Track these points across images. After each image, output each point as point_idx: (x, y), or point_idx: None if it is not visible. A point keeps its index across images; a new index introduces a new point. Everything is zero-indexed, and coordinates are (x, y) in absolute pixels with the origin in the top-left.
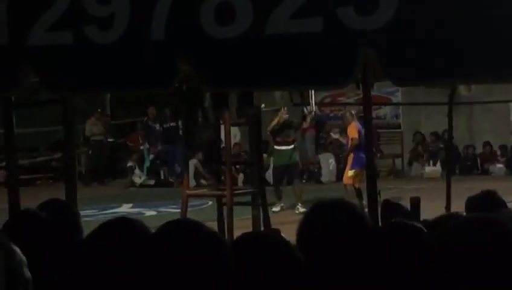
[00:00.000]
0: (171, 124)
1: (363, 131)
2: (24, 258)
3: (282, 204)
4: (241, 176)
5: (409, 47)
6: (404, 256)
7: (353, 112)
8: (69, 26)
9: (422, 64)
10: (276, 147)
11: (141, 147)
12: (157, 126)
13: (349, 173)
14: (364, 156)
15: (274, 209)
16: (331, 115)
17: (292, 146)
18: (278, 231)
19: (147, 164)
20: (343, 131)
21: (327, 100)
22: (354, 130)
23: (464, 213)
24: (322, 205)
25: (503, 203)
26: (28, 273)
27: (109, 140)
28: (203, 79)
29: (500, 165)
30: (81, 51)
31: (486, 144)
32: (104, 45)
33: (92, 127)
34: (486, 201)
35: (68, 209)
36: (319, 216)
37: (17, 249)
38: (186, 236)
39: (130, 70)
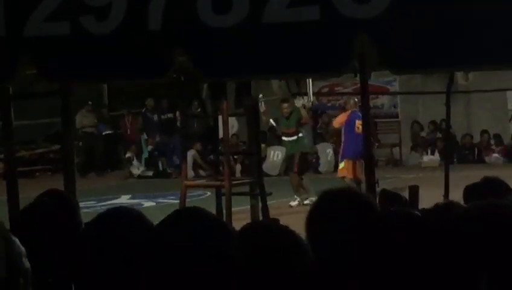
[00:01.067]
0: (169, 115)
1: (356, 121)
2: (23, 249)
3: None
4: (238, 167)
5: (405, 35)
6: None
7: (356, 100)
8: (66, 17)
9: (419, 52)
10: (282, 138)
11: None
12: (155, 117)
13: (340, 165)
14: (352, 146)
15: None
16: (329, 104)
17: (294, 137)
18: (276, 221)
19: (145, 155)
20: None
21: (325, 90)
22: (340, 118)
23: (462, 202)
24: (330, 195)
25: (506, 189)
26: (27, 264)
27: (108, 132)
28: (199, 69)
29: (496, 155)
30: (79, 41)
31: (484, 132)
32: (101, 35)
33: (82, 119)
34: (488, 189)
35: (67, 200)
36: (328, 206)
37: (17, 240)
38: (193, 224)
39: (127, 60)
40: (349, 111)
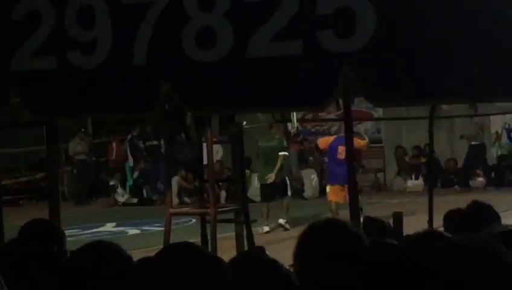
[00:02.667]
0: (154, 142)
1: (339, 147)
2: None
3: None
4: (223, 193)
5: (387, 68)
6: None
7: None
8: (52, 52)
9: (402, 85)
10: None
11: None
12: (141, 144)
13: (327, 188)
14: (335, 173)
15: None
16: (313, 130)
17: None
18: (262, 249)
19: (130, 182)
20: None
21: (308, 116)
22: (325, 142)
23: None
24: (317, 226)
25: (489, 216)
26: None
27: (92, 159)
28: (185, 102)
29: (480, 179)
30: (65, 76)
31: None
32: (87, 69)
33: (76, 146)
34: (469, 215)
35: (53, 229)
36: (315, 238)
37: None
38: (184, 259)
39: (112, 95)
40: (333, 137)
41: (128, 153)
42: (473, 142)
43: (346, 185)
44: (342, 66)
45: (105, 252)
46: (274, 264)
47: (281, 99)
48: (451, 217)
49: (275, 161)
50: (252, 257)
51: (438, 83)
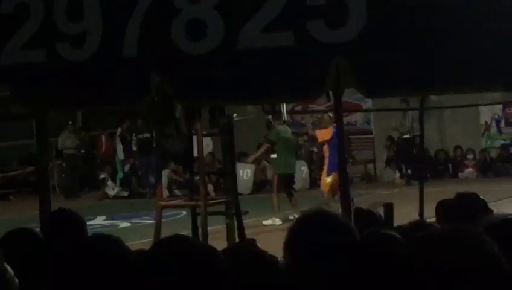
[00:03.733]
0: (145, 135)
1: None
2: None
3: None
4: (210, 186)
5: (379, 59)
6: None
7: (331, 115)
8: (42, 44)
9: (393, 75)
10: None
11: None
12: (132, 137)
13: (327, 179)
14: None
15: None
16: (303, 122)
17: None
18: (253, 241)
19: (120, 175)
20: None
21: (298, 108)
22: (325, 134)
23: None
24: (307, 218)
25: (480, 206)
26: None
27: (81, 151)
28: (176, 94)
29: (470, 169)
30: (55, 68)
31: (457, 147)
32: (76, 62)
33: (65, 140)
34: (461, 206)
35: (76, 218)
36: (305, 229)
37: (8, 267)
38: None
39: (102, 86)
40: (331, 127)
41: (118, 147)
42: (404, 136)
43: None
44: (333, 57)
45: (107, 246)
46: (264, 256)
47: (273, 90)
48: (442, 208)
49: (293, 151)
50: (242, 249)
51: (429, 73)
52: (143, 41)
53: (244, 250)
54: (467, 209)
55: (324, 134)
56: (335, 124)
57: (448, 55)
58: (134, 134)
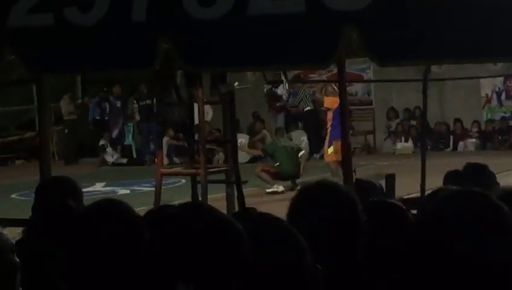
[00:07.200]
0: (147, 102)
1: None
2: (13, 243)
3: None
4: (221, 156)
5: (391, 27)
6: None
7: (334, 86)
8: (49, 8)
9: (405, 44)
10: None
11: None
12: (118, 103)
13: (329, 150)
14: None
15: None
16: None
17: None
18: (254, 210)
19: (129, 141)
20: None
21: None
22: (333, 101)
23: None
24: (310, 189)
25: (490, 176)
26: (15, 259)
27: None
28: (185, 59)
29: (472, 140)
30: (62, 33)
31: (457, 120)
32: (84, 26)
33: (68, 106)
34: (469, 175)
35: (73, 186)
36: (308, 200)
37: (5, 233)
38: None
39: (110, 51)
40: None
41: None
42: (306, 108)
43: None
44: (344, 25)
45: (117, 210)
46: (279, 221)
47: (282, 57)
48: (451, 178)
49: (293, 160)
50: (253, 216)
51: (439, 43)
52: (152, 6)
53: (255, 217)
54: (477, 179)
55: (332, 101)
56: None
57: (458, 24)
58: (135, 101)
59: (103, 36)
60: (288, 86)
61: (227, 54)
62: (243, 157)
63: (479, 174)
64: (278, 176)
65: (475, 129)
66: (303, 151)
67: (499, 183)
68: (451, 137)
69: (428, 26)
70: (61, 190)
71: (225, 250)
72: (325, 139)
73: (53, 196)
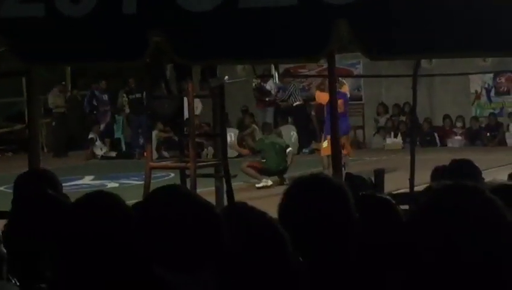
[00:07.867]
0: (137, 95)
1: (338, 100)
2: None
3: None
4: (210, 150)
5: (383, 22)
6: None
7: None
8: None
9: (397, 39)
10: None
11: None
12: (105, 97)
13: (324, 144)
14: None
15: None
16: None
17: None
18: (244, 204)
19: (119, 134)
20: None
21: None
22: (325, 96)
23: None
24: (302, 182)
25: (475, 172)
26: (2, 249)
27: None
28: (176, 52)
29: (458, 137)
30: (53, 24)
31: (446, 117)
32: (75, 17)
33: (56, 99)
34: (456, 171)
35: (51, 178)
36: (301, 193)
37: None
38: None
39: (101, 43)
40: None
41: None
42: (295, 103)
43: (344, 136)
44: (337, 19)
45: (107, 202)
46: (263, 216)
47: (274, 50)
48: (438, 174)
49: (280, 156)
50: (239, 210)
51: (431, 37)
52: None
53: (240, 211)
54: (464, 175)
55: (325, 96)
56: (338, 90)
57: (450, 18)
58: (125, 94)
59: (94, 28)
60: (279, 79)
61: (220, 47)
62: (232, 151)
63: (465, 170)
64: (264, 172)
65: (459, 124)
66: (290, 149)
67: (483, 179)
68: (436, 134)
69: (419, 20)
70: (39, 181)
71: (199, 231)
72: (314, 133)
73: (32, 187)
